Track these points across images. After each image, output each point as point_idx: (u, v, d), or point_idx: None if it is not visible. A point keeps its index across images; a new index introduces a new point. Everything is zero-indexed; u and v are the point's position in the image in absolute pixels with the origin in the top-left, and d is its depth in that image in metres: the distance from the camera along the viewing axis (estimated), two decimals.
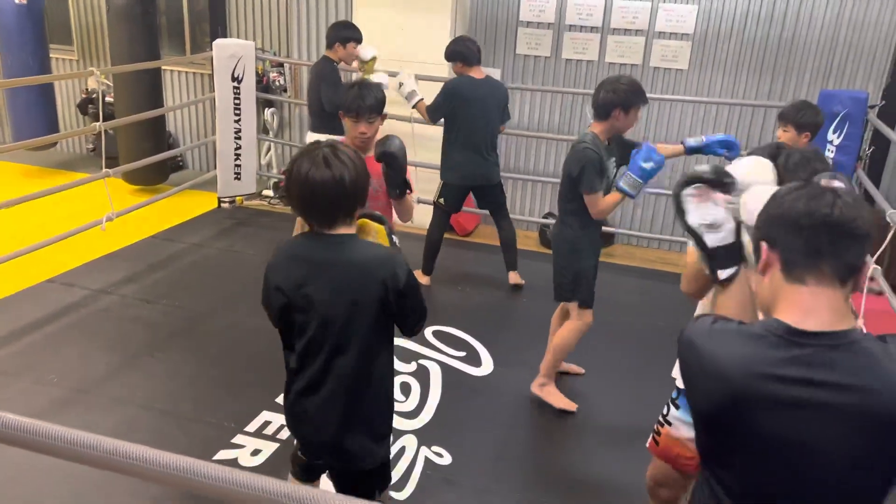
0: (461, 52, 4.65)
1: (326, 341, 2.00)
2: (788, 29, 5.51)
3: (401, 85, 4.76)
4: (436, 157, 5.91)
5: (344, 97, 2.91)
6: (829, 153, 4.47)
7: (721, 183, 1.58)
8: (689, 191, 1.59)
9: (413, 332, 2.11)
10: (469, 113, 4.64)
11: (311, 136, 4.67)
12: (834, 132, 4.46)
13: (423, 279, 4.98)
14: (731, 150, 3.29)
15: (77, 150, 7.79)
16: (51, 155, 7.43)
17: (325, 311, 1.97)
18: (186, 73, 7.11)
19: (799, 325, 1.29)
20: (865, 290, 3.81)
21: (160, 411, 3.42)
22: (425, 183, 5.81)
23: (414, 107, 4.80)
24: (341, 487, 2.25)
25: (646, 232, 6.08)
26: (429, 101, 4.74)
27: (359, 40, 4.77)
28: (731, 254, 1.57)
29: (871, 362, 1.26)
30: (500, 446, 3.33)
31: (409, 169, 5.79)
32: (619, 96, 3.18)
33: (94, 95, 7.01)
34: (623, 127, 3.27)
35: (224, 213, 6.18)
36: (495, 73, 5.89)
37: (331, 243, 1.98)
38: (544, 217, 6.11)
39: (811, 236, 1.29)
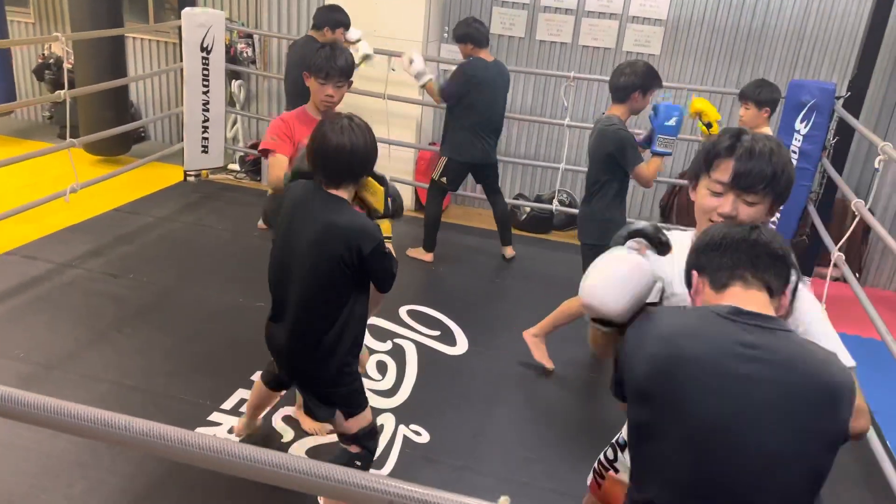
0: (471, 34, 4.62)
1: (292, 277, 2.30)
2: (758, 18, 5.61)
3: (411, 62, 4.69)
4: (407, 135, 5.89)
5: (314, 58, 2.90)
6: (797, 142, 4.58)
7: (657, 242, 1.62)
8: (630, 244, 1.63)
9: (382, 289, 2.38)
10: (481, 95, 4.64)
11: None
12: (802, 122, 4.57)
13: (427, 256, 5.02)
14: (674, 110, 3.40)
15: (33, 117, 7.52)
16: (7, 122, 7.17)
17: (296, 254, 2.28)
18: (150, 41, 6.90)
19: (742, 307, 1.39)
20: (829, 278, 3.94)
21: (132, 388, 3.36)
22: (398, 162, 5.79)
23: (423, 86, 4.75)
24: (308, 408, 2.55)
25: None
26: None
27: (348, 26, 4.67)
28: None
29: (803, 350, 1.37)
30: (477, 424, 3.37)
31: (383, 147, 5.75)
32: (640, 79, 3.34)
33: (52, 61, 6.77)
34: (640, 108, 3.43)
35: (190, 187, 6.05)
36: None
37: (327, 202, 2.26)
38: (515, 198, 6.14)
39: (733, 253, 1.43)
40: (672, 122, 3.29)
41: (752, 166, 1.61)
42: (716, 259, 1.46)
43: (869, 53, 4.73)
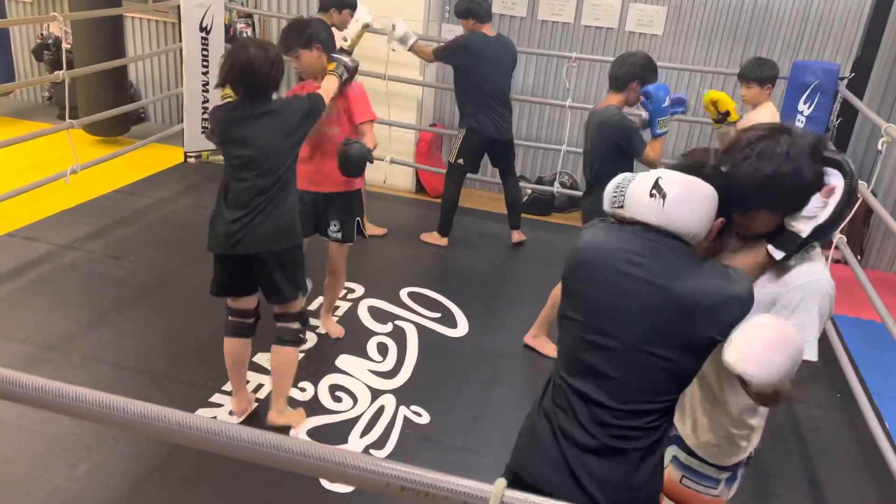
0: (473, 9, 4.61)
1: (256, 172, 2.71)
2: None
3: (393, 27, 4.67)
4: (408, 116, 5.86)
5: None
6: (800, 123, 4.55)
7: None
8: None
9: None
10: (481, 70, 4.65)
11: None
12: (805, 103, 4.54)
13: (441, 240, 5.00)
14: (681, 105, 3.56)
15: (32, 98, 7.48)
16: (6, 103, 7.13)
17: (258, 156, 2.70)
18: (149, 20, 6.85)
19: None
20: (830, 259, 3.93)
21: (134, 369, 3.37)
22: (398, 143, 5.76)
23: (410, 49, 4.73)
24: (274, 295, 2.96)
25: None
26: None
27: (355, 6, 4.63)
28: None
29: (677, 265, 1.56)
30: (477, 405, 3.38)
31: (384, 128, 5.71)
32: (640, 70, 3.35)
33: (50, 41, 6.72)
34: (634, 100, 3.41)
35: (190, 169, 6.03)
36: None
37: (259, 106, 2.71)
38: None
39: None
40: (668, 101, 3.31)
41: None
42: None
43: (873, 34, 4.69)
